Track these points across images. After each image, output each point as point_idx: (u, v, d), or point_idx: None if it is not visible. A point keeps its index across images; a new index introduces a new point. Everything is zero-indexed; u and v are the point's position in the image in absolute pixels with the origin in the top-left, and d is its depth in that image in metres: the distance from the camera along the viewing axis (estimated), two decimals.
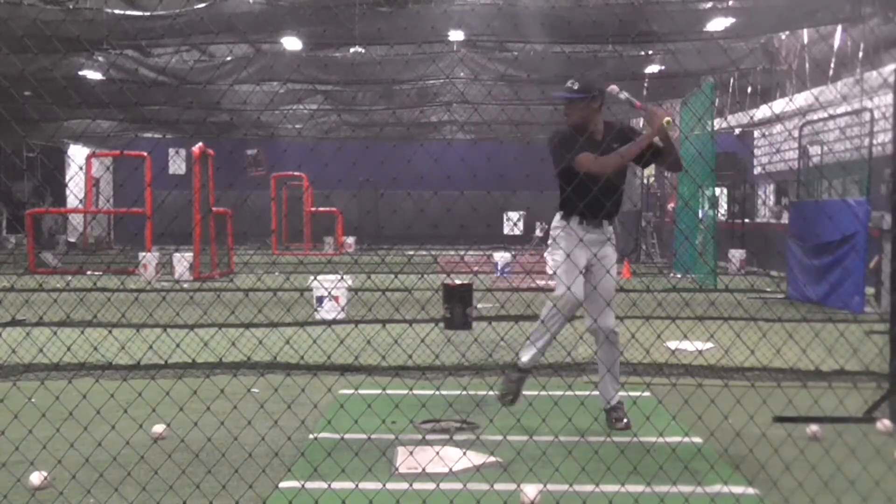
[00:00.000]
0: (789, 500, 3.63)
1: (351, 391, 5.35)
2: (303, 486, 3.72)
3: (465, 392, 5.19)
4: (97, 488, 3.78)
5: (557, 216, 5.04)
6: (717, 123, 16.63)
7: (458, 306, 8.90)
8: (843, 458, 4.06)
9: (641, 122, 5.82)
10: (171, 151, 30.35)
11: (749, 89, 18.94)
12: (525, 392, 4.74)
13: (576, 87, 4.89)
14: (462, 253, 20.83)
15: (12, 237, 24.70)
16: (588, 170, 4.70)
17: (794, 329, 6.98)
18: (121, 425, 4.32)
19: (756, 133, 22.46)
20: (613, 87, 5.07)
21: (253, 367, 6.31)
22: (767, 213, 22.08)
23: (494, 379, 5.87)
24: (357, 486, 3.73)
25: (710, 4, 13.38)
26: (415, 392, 4.98)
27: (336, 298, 9.77)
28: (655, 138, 4.75)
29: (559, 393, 5.06)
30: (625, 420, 4.93)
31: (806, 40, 16.29)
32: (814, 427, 4.79)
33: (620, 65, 16.12)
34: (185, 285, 13.83)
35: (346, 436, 4.37)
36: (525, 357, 4.97)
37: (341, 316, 9.68)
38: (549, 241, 5.08)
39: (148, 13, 13.10)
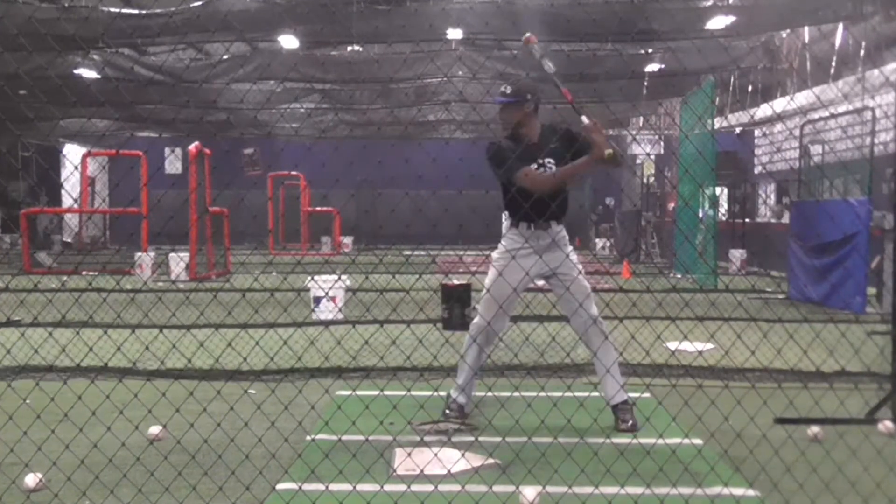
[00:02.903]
0: (790, 501, 3.60)
1: (348, 392, 5.30)
2: (300, 487, 3.69)
3: (468, 396, 5.15)
4: (93, 490, 3.75)
5: (505, 221, 5.06)
6: (718, 122, 16.61)
7: (456, 307, 8.86)
8: (844, 460, 4.03)
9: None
10: (168, 151, 30.31)
11: (750, 88, 18.94)
12: (525, 393, 4.70)
13: (508, 92, 4.98)
14: (461, 253, 20.82)
15: (7, 237, 24.63)
16: (533, 186, 4.79)
17: (795, 330, 6.93)
18: (116, 426, 4.28)
19: (757, 132, 22.47)
20: (532, 42, 4.97)
21: (247, 376, 6.26)
22: (768, 213, 22.08)
23: (493, 380, 5.83)
24: (355, 487, 3.69)
25: (710, 2, 13.38)
26: (413, 393, 4.94)
27: (333, 299, 9.73)
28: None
29: (558, 394, 5.02)
30: (630, 422, 4.90)
31: (807, 39, 16.29)
32: (815, 428, 4.76)
33: (620, 63, 16.10)
34: (182, 285, 13.78)
35: (344, 437, 4.33)
36: (455, 395, 5.11)
37: (339, 316, 9.64)
38: (498, 248, 5.07)
39: (144, 11, 13.06)
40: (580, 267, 5.03)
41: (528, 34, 5.01)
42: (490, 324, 4.90)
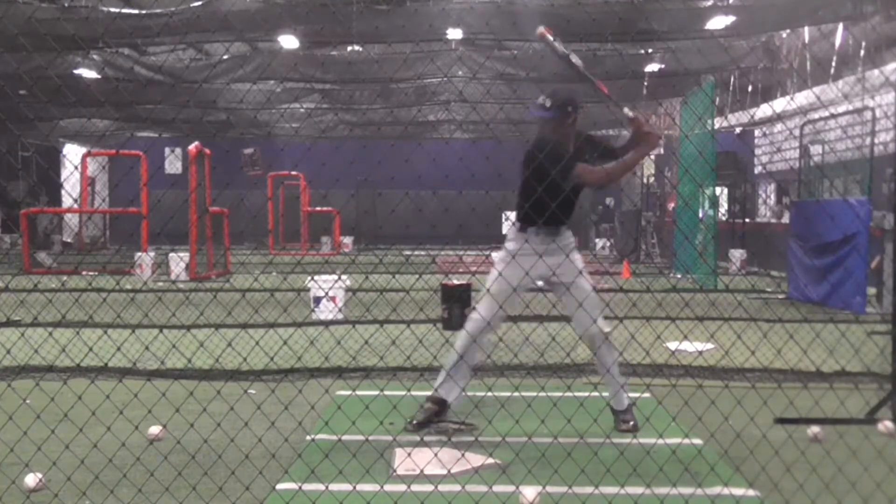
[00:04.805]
0: (790, 501, 3.60)
1: (349, 392, 5.30)
2: (300, 488, 3.69)
3: (463, 393, 5.14)
4: (93, 490, 3.75)
5: (513, 227, 4.94)
6: (718, 122, 16.60)
7: (456, 307, 8.85)
8: (844, 460, 4.03)
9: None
10: (168, 151, 30.29)
11: (750, 88, 18.93)
12: (524, 393, 4.69)
13: (548, 105, 4.77)
14: (460, 253, 20.81)
15: (7, 237, 24.61)
16: (592, 180, 4.70)
17: (795, 330, 6.94)
18: (116, 426, 4.28)
19: (757, 132, 22.44)
20: (547, 35, 4.67)
21: (247, 376, 6.26)
22: (768, 213, 22.05)
23: (493, 380, 5.83)
24: (355, 487, 3.69)
25: (710, 2, 13.37)
26: (413, 393, 4.94)
27: (333, 299, 9.73)
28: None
29: (558, 394, 5.02)
30: (631, 422, 4.90)
31: (807, 38, 16.28)
32: (815, 428, 4.76)
33: (620, 63, 16.10)
34: (182, 285, 13.78)
35: (344, 437, 4.33)
36: (443, 393, 4.85)
37: (339, 316, 9.64)
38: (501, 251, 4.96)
39: (144, 11, 13.06)
40: (587, 276, 4.90)
41: (540, 28, 4.69)
42: (490, 322, 4.83)
